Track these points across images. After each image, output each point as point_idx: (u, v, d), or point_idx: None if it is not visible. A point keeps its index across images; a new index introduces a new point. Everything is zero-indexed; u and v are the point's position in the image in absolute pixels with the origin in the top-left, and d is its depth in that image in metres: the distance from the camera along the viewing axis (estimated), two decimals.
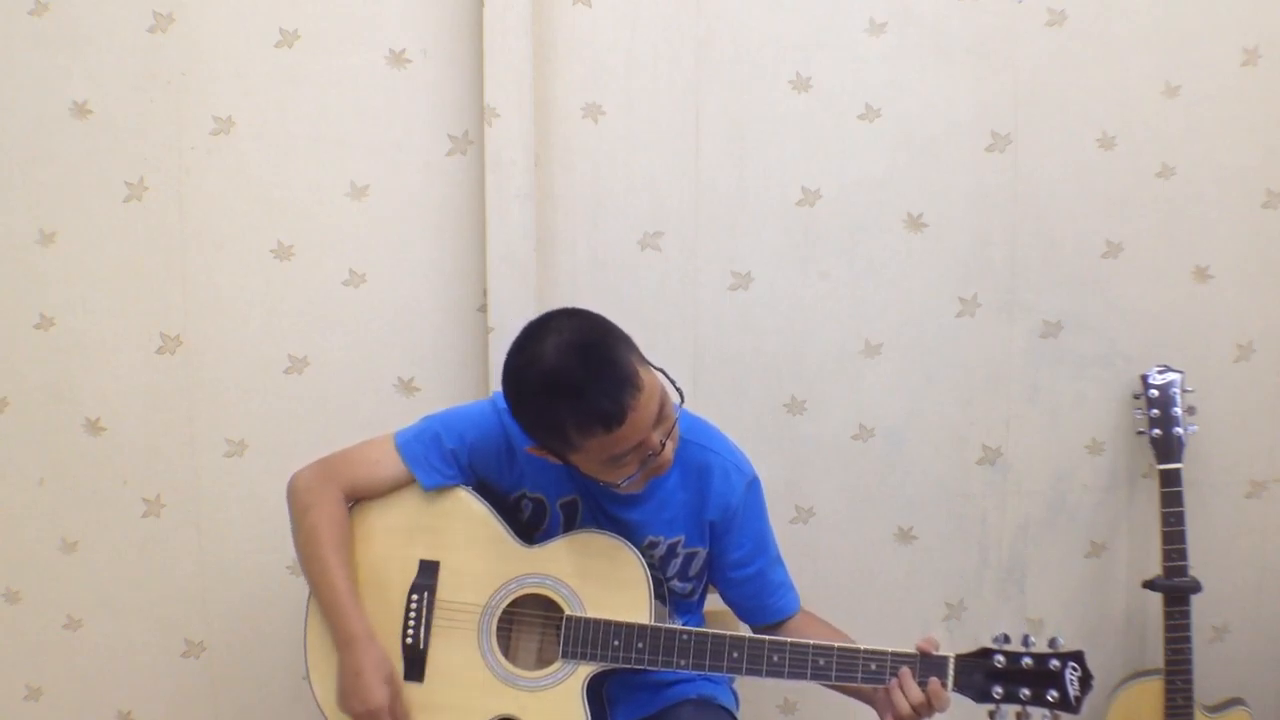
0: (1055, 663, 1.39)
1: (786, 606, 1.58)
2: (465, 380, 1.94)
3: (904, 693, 1.39)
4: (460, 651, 1.48)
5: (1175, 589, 1.88)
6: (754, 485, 1.58)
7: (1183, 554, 1.88)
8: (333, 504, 1.50)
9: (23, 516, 1.92)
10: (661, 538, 1.53)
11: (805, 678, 1.42)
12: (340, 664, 1.45)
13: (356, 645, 1.44)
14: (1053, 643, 1.40)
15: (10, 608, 1.94)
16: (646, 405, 1.34)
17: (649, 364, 1.39)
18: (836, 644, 1.42)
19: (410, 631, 1.49)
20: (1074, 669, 1.39)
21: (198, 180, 1.87)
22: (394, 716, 1.43)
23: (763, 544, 1.58)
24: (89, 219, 1.86)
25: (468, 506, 1.51)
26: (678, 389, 1.41)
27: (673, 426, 1.40)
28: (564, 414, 1.33)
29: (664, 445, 1.39)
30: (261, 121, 1.86)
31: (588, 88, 1.90)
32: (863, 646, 1.41)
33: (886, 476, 2.01)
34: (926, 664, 1.40)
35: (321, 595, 1.48)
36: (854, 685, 1.44)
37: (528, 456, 1.51)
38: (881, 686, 1.41)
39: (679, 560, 1.55)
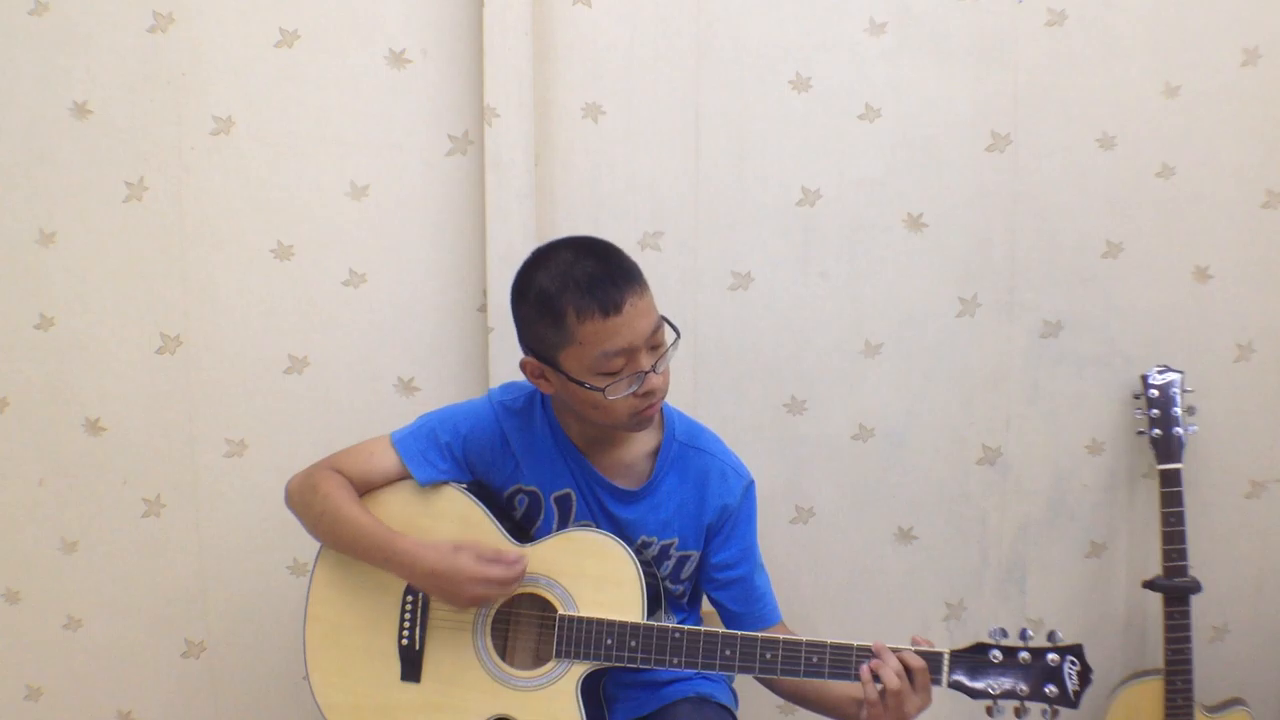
0: (1053, 657, 1.37)
1: (770, 616, 1.58)
2: (465, 380, 1.94)
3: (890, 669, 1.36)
4: (456, 652, 1.48)
5: (1175, 589, 1.88)
6: (750, 489, 1.58)
7: (1183, 554, 1.88)
8: (337, 479, 1.51)
9: (23, 516, 1.92)
10: (655, 538, 1.53)
11: (799, 675, 1.41)
12: (424, 586, 1.46)
13: (414, 555, 1.44)
14: (1051, 636, 1.38)
15: (10, 608, 1.94)
16: (645, 312, 1.40)
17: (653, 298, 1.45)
18: (830, 640, 1.40)
19: (406, 632, 1.49)
20: (1073, 663, 1.36)
21: (198, 180, 1.87)
22: (484, 571, 1.41)
23: (750, 550, 1.59)
24: (89, 219, 1.86)
25: (461, 506, 1.51)
26: (675, 329, 1.45)
27: (665, 354, 1.43)
28: (567, 299, 1.38)
29: (654, 370, 1.41)
30: (261, 121, 1.86)
31: (588, 88, 1.90)
32: (856, 643, 1.40)
33: (886, 476, 2.01)
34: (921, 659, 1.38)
35: (360, 543, 1.47)
36: (840, 702, 1.45)
37: (523, 448, 1.52)
38: (865, 700, 1.37)
39: (671, 563, 1.55)
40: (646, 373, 1.40)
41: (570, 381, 1.42)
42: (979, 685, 1.38)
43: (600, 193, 1.92)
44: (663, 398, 1.46)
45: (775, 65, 1.92)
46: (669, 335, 1.45)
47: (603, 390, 1.39)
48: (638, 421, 1.45)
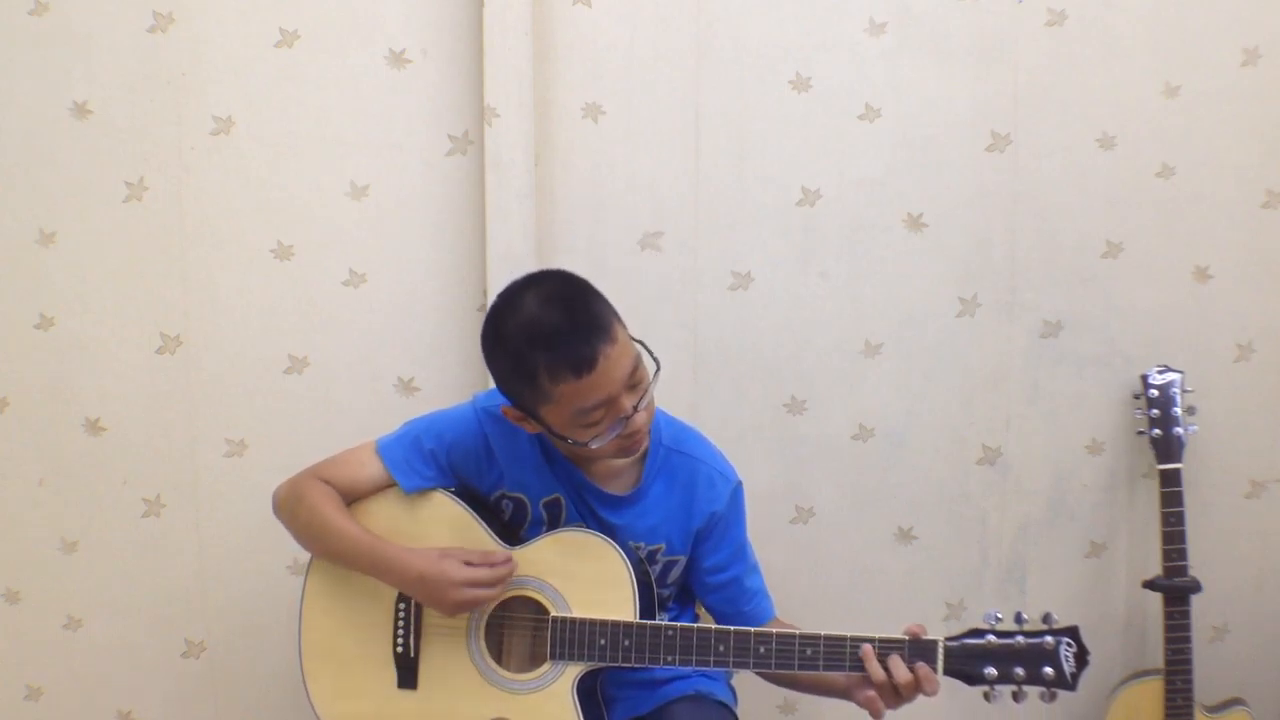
0: (1049, 639, 1.35)
1: (762, 614, 1.58)
2: (465, 380, 1.93)
3: (888, 669, 1.36)
4: (451, 657, 1.48)
5: (1175, 589, 1.88)
6: (738, 490, 1.58)
7: (1183, 554, 1.88)
8: (322, 488, 1.50)
9: (23, 516, 1.92)
10: (642, 544, 1.53)
11: (793, 668, 1.40)
12: (413, 592, 1.46)
13: (402, 561, 1.44)
14: (1047, 618, 1.37)
15: (10, 608, 1.94)
16: (619, 359, 1.35)
17: (627, 330, 1.40)
18: (823, 633, 1.39)
19: (400, 640, 1.49)
20: (1069, 645, 1.35)
21: (198, 180, 1.87)
22: (470, 574, 1.42)
23: (741, 550, 1.58)
24: (89, 219, 1.86)
25: (449, 511, 1.51)
26: (654, 359, 1.42)
27: (646, 392, 1.40)
28: (538, 359, 1.34)
29: (636, 410, 1.38)
30: (261, 121, 1.86)
31: (588, 88, 1.90)
32: (850, 634, 1.39)
33: (886, 476, 2.01)
34: (915, 648, 1.37)
35: (347, 552, 1.47)
36: (830, 679, 1.42)
37: (507, 456, 1.52)
38: (859, 674, 1.38)
39: (657, 568, 1.55)
40: (629, 416, 1.38)
41: (553, 435, 1.42)
42: (974, 671, 1.36)
43: (600, 193, 1.92)
44: (649, 425, 1.44)
45: (775, 65, 1.92)
46: (650, 365, 1.42)
47: (586, 443, 1.39)
48: (625, 453, 1.45)
